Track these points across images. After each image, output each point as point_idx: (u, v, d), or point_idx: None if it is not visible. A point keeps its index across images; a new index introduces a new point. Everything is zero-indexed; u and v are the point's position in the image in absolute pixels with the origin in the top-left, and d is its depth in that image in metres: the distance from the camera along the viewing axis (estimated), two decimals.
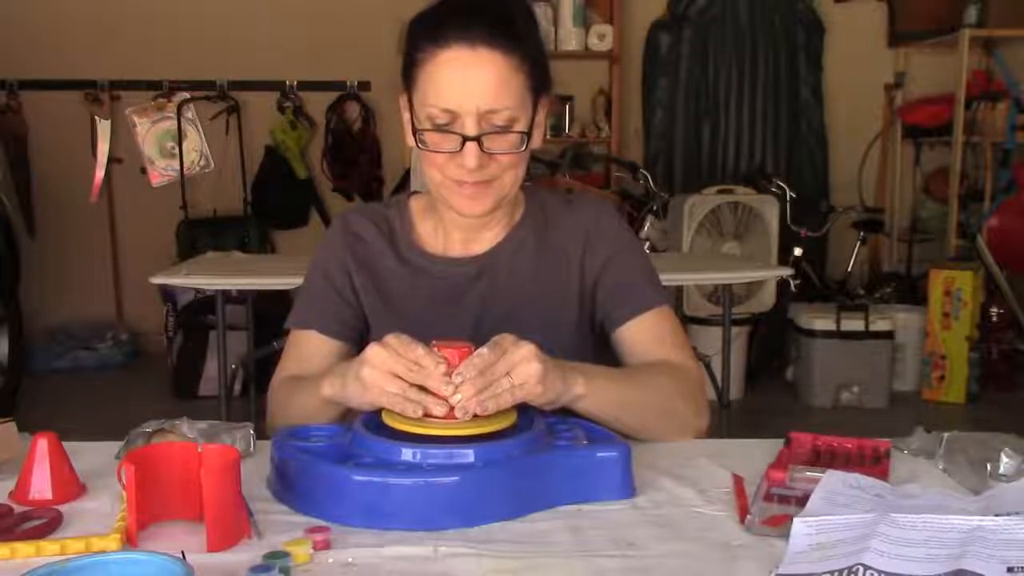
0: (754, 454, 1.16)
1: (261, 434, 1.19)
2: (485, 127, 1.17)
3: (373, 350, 1.04)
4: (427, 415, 1.02)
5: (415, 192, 1.42)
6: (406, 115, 1.24)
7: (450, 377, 1.01)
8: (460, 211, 1.25)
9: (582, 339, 1.34)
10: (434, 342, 1.05)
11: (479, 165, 1.18)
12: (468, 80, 1.16)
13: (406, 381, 1.02)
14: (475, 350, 1.04)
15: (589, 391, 1.13)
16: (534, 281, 1.33)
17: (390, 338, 1.05)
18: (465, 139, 1.17)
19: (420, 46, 1.18)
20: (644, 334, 1.31)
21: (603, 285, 1.33)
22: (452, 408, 1.01)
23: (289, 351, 1.34)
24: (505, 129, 1.18)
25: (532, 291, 1.32)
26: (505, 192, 1.25)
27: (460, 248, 1.34)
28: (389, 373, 1.03)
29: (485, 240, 1.34)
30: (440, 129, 1.18)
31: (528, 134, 1.20)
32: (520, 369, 1.04)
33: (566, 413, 1.15)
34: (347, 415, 1.18)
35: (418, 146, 1.22)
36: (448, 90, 1.16)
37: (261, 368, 3.26)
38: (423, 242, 1.36)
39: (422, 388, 1.02)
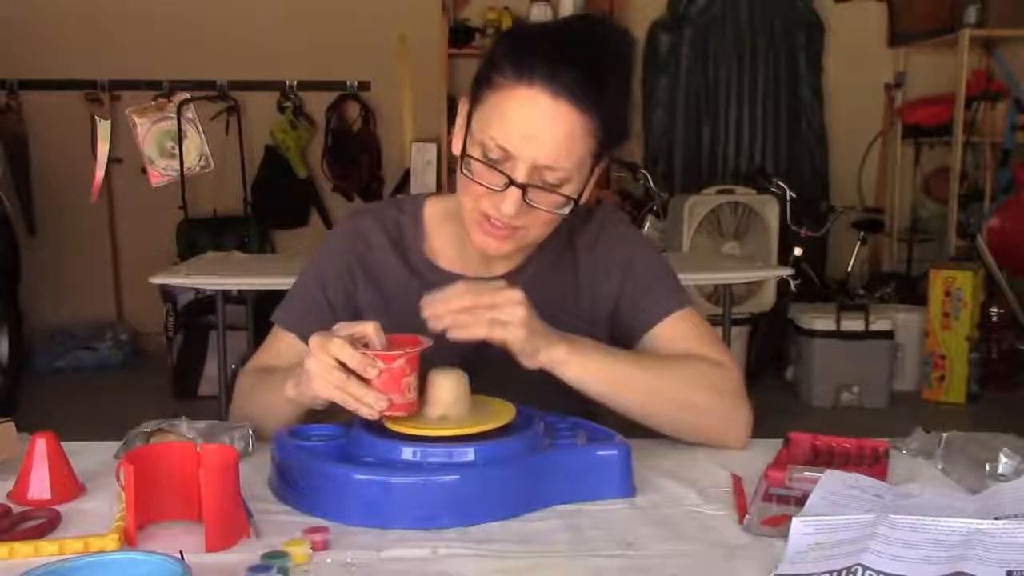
0: (753, 454, 1.16)
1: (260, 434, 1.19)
2: (536, 179, 1.11)
3: (314, 338, 1.04)
4: (422, 419, 1.02)
5: (432, 194, 1.35)
6: (461, 120, 1.17)
7: (380, 377, 1.01)
8: (476, 246, 1.20)
9: None
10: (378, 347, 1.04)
11: (516, 213, 1.12)
12: (535, 127, 1.09)
13: (347, 372, 1.01)
14: (424, 343, 1.04)
15: (572, 357, 1.11)
16: (551, 305, 1.26)
17: (335, 327, 1.05)
18: (511, 183, 1.10)
19: (504, 69, 1.10)
20: (670, 338, 1.25)
21: (624, 304, 1.29)
22: (393, 404, 1.01)
23: (268, 344, 1.31)
24: (554, 188, 1.12)
25: (548, 315, 1.24)
26: (528, 243, 1.20)
27: (476, 267, 1.28)
28: (330, 362, 1.01)
29: (503, 262, 1.28)
30: (490, 163, 1.11)
31: (577, 200, 1.14)
32: (506, 308, 1.04)
33: (571, 410, 1.13)
34: (306, 418, 1.15)
35: (461, 170, 1.14)
36: (512, 130, 1.09)
37: None
38: (436, 254, 1.30)
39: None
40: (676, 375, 1.18)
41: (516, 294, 1.06)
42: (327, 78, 5.14)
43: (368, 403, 1.01)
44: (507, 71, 1.10)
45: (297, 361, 1.21)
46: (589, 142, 1.11)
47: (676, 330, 1.26)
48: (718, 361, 1.22)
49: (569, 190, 1.13)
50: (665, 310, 1.26)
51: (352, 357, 1.01)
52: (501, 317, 1.05)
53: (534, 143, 1.09)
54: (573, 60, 1.09)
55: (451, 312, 1.04)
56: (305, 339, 1.24)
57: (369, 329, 1.04)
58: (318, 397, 1.06)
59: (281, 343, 1.30)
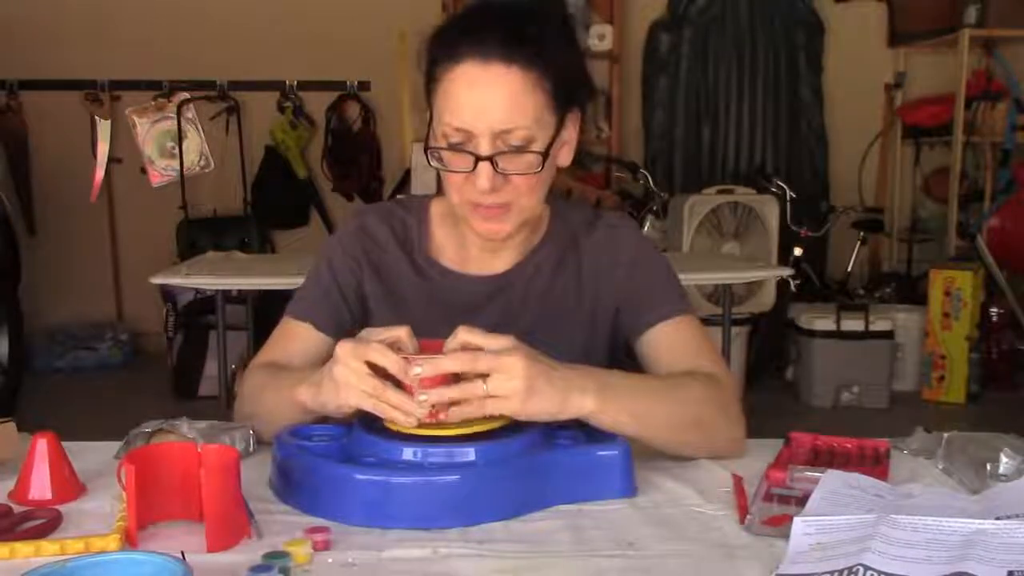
0: (754, 454, 1.16)
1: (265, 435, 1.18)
2: (500, 146, 1.12)
3: (343, 345, 1.01)
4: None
5: (436, 195, 1.36)
6: (426, 127, 1.20)
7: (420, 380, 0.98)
8: (480, 235, 1.21)
9: (600, 365, 1.24)
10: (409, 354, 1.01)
11: (493, 187, 1.12)
12: (481, 98, 1.11)
13: (381, 378, 0.98)
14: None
15: (602, 406, 1.05)
16: (552, 304, 1.29)
17: (363, 332, 1.04)
18: (478, 159, 1.12)
19: (436, 61, 1.15)
20: (667, 343, 1.24)
21: (625, 303, 1.28)
22: (431, 411, 0.98)
23: (277, 337, 1.29)
24: (521, 149, 1.13)
25: (549, 314, 1.28)
26: (524, 216, 1.20)
27: (478, 265, 1.29)
28: (362, 368, 0.99)
29: (504, 259, 1.29)
30: (454, 148, 1.14)
31: (546, 154, 1.14)
32: (501, 381, 0.98)
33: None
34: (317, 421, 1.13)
35: (429, 163, 1.17)
36: (461, 108, 1.12)
37: None
38: (439, 253, 1.31)
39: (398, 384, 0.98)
40: (687, 399, 1.14)
41: (516, 364, 0.98)
42: (327, 78, 5.14)
43: (408, 410, 0.98)
44: (440, 61, 1.14)
45: (309, 359, 1.23)
46: (539, 95, 1.12)
47: (674, 336, 1.25)
48: (718, 378, 1.20)
49: (537, 147, 1.14)
50: (664, 314, 1.26)
51: (394, 362, 0.98)
52: (495, 392, 0.98)
53: (483, 112, 1.11)
54: (492, 23, 1.13)
55: (438, 400, 0.98)
56: (318, 325, 1.26)
57: (402, 333, 1.02)
58: (345, 406, 1.03)
59: (291, 333, 1.28)
